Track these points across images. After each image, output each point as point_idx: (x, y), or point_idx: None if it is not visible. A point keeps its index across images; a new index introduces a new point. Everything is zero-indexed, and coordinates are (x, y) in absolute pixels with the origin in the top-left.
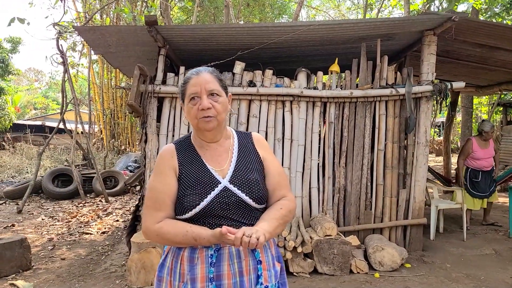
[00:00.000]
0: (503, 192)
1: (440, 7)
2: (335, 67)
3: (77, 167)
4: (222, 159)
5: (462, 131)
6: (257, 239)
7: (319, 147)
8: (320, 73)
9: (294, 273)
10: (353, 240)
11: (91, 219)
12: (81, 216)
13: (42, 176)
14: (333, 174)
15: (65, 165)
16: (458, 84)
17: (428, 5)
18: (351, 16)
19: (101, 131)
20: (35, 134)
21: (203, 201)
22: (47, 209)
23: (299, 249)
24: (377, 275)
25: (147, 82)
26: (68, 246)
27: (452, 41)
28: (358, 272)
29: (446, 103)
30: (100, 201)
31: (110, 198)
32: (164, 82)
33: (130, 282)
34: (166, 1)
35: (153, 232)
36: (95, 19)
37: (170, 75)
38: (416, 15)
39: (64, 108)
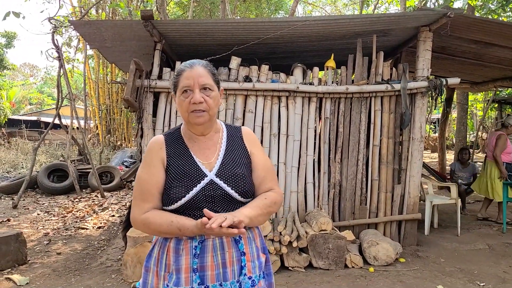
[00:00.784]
0: None
1: (436, 4)
2: (331, 63)
3: (73, 163)
4: (210, 152)
5: (457, 127)
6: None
7: (314, 142)
8: (316, 69)
9: (289, 268)
10: (348, 235)
11: (87, 214)
12: (77, 211)
13: (37, 171)
14: (329, 169)
15: (60, 161)
16: (453, 80)
17: (424, 1)
18: (347, 12)
19: (97, 127)
20: (30, 130)
21: (188, 193)
22: (43, 204)
23: (295, 244)
24: (371, 269)
25: (143, 77)
26: (64, 241)
27: (447, 37)
28: (353, 267)
29: (441, 99)
30: (95, 196)
31: (106, 193)
32: (160, 77)
33: (126, 276)
34: None
35: (139, 222)
36: (90, 14)
37: (166, 70)
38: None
39: (59, 103)
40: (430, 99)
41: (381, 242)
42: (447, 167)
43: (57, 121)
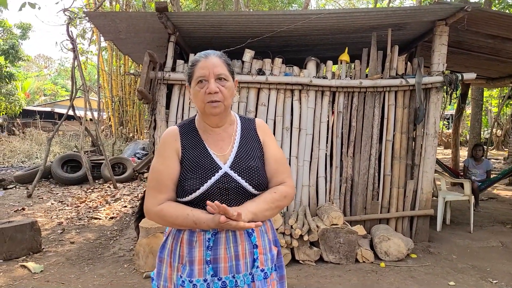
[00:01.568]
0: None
1: None
2: (344, 57)
3: (86, 153)
4: (224, 144)
5: (471, 124)
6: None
7: (327, 136)
8: (329, 63)
9: (300, 261)
10: (359, 229)
11: (100, 205)
12: (90, 202)
13: (51, 162)
14: (341, 164)
15: (74, 151)
16: (469, 76)
17: None
18: (361, 6)
19: (110, 118)
20: (44, 120)
21: (203, 185)
22: (56, 194)
23: (306, 238)
24: (382, 264)
25: (156, 69)
26: (77, 230)
27: (463, 32)
28: (363, 262)
29: (456, 95)
30: (108, 187)
31: (118, 185)
32: (173, 69)
33: (138, 266)
34: None
35: (154, 214)
36: (104, 5)
37: (180, 62)
38: (428, 4)
39: (73, 94)
40: (445, 94)
41: (392, 238)
42: (460, 164)
43: (71, 113)
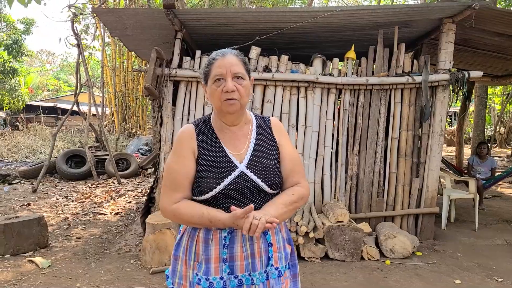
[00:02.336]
0: None
1: None
2: (351, 54)
3: (90, 149)
4: (240, 143)
5: (475, 121)
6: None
7: (332, 134)
8: (336, 60)
9: (306, 258)
10: (365, 227)
11: (104, 200)
12: (95, 197)
13: (56, 157)
14: (346, 161)
15: (78, 147)
16: (476, 73)
17: None
18: (365, 3)
19: (113, 114)
20: (47, 115)
21: (219, 184)
22: (61, 189)
23: (311, 235)
24: (388, 262)
25: (163, 65)
26: (83, 226)
27: (470, 30)
28: (369, 259)
29: (463, 92)
30: (112, 182)
31: (122, 180)
32: (180, 66)
33: (145, 262)
34: None
35: (170, 212)
36: (108, 2)
37: (186, 59)
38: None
39: (78, 90)
40: (451, 92)
41: (398, 235)
42: (464, 161)
43: (75, 108)
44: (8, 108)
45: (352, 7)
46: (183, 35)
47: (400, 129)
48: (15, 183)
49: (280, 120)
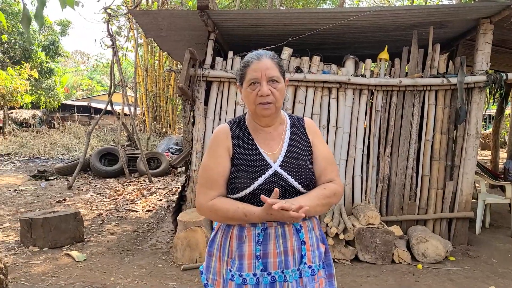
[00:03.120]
0: None
1: None
2: (384, 55)
3: (122, 147)
4: (274, 143)
5: (511, 124)
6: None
7: (364, 135)
8: (368, 61)
9: (335, 260)
10: (396, 230)
11: (136, 198)
12: (127, 194)
13: (90, 155)
14: (378, 163)
15: (111, 145)
16: None
17: None
18: (397, 3)
19: (144, 114)
20: (81, 114)
21: (253, 183)
22: (95, 186)
23: (341, 236)
24: (419, 266)
25: (196, 66)
26: (116, 222)
27: (508, 30)
28: (400, 262)
29: (500, 95)
30: (143, 180)
31: (153, 178)
32: (212, 66)
33: (176, 259)
34: None
35: (206, 209)
36: (142, 4)
37: (219, 59)
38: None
39: (112, 90)
40: (488, 94)
41: (430, 239)
42: (500, 165)
43: (109, 108)
44: (45, 107)
45: (386, 8)
46: (215, 36)
47: (434, 131)
48: (52, 179)
49: None
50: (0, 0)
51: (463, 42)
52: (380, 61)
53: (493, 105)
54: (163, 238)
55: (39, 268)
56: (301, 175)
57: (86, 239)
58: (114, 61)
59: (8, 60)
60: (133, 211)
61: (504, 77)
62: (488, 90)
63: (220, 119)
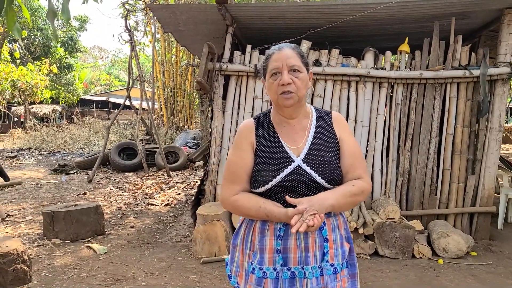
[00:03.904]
0: None
1: None
2: (404, 47)
3: (141, 142)
4: (298, 137)
5: None
6: (314, 221)
7: (383, 129)
8: (388, 53)
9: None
10: (416, 224)
11: (155, 191)
12: (146, 188)
13: (109, 149)
14: (397, 157)
15: (130, 139)
16: None
17: None
18: None
19: (161, 108)
20: (100, 109)
21: (275, 178)
22: (114, 180)
23: (360, 231)
24: (440, 261)
25: (214, 60)
26: (136, 215)
27: None
28: (420, 257)
29: None
30: (162, 174)
31: (171, 172)
32: (230, 60)
33: (195, 252)
34: None
35: (229, 204)
36: None
37: (237, 53)
38: None
39: (131, 84)
40: (511, 86)
41: (451, 234)
42: None
43: (127, 102)
44: (64, 102)
45: None
46: (234, 30)
47: (455, 124)
48: (72, 173)
49: None
50: None
51: (486, 33)
52: (400, 53)
53: None
54: (182, 231)
55: (62, 260)
56: (325, 170)
57: (106, 232)
58: (132, 56)
59: (29, 56)
60: (152, 204)
61: None
62: (511, 82)
63: (238, 113)
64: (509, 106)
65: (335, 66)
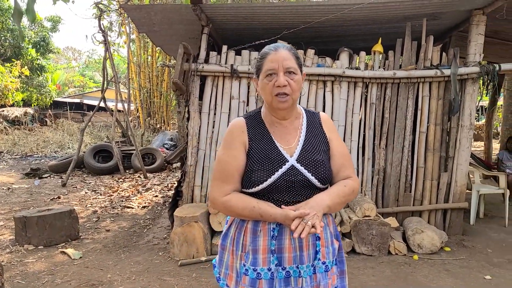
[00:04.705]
0: None
1: None
2: (378, 47)
3: (117, 144)
4: (290, 137)
5: (504, 115)
6: (313, 226)
7: (359, 128)
8: (362, 53)
9: None
10: (392, 221)
11: (132, 194)
12: (122, 191)
13: (84, 152)
14: (373, 155)
15: (105, 142)
16: (508, 66)
17: None
18: None
19: (138, 110)
20: (74, 111)
21: (270, 177)
22: (89, 183)
23: (338, 229)
24: (415, 257)
25: (190, 60)
26: (112, 219)
27: (501, 21)
28: (396, 254)
29: (493, 86)
30: (139, 177)
31: (148, 174)
32: (206, 61)
33: (173, 254)
34: None
35: (220, 204)
36: None
37: (213, 54)
38: None
39: (105, 86)
40: (481, 85)
41: (426, 230)
42: (493, 156)
43: (102, 104)
44: (37, 105)
45: (379, 0)
46: (209, 30)
47: (428, 123)
48: (45, 177)
49: None
50: None
51: (456, 34)
52: (374, 53)
53: (486, 96)
54: (160, 234)
55: (35, 266)
56: (317, 169)
57: (81, 237)
58: (107, 57)
59: None
60: (129, 207)
61: (497, 68)
62: (481, 81)
63: (215, 114)
64: (481, 105)
65: (310, 66)
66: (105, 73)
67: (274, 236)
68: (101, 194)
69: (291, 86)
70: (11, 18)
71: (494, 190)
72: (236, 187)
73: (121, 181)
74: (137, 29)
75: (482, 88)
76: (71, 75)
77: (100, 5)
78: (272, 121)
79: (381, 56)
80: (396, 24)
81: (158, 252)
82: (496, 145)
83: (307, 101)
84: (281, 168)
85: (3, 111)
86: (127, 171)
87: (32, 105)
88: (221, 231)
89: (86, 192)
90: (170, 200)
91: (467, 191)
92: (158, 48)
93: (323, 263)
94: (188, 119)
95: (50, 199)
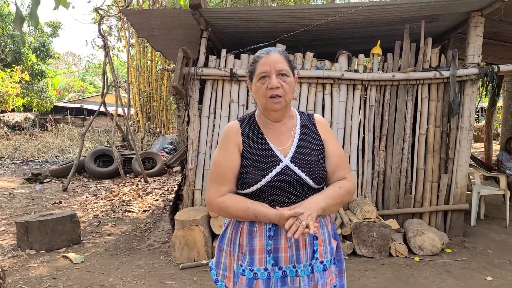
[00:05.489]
0: None
1: None
2: (377, 50)
3: (117, 148)
4: (284, 138)
5: (503, 116)
6: (307, 227)
7: (358, 130)
8: (361, 56)
9: None
10: (393, 223)
11: (132, 198)
12: (123, 195)
13: (84, 156)
14: (373, 157)
15: (105, 146)
16: (506, 67)
17: None
18: None
19: (137, 114)
20: (74, 116)
21: (264, 178)
22: (90, 187)
23: (338, 231)
24: (416, 259)
25: (190, 64)
26: (113, 223)
27: (499, 23)
28: (397, 256)
29: (492, 87)
30: (139, 181)
31: (148, 179)
32: (206, 64)
33: (174, 258)
34: None
35: (215, 205)
36: (133, 4)
37: (212, 58)
38: None
39: (105, 90)
40: (480, 86)
41: (426, 232)
42: (493, 157)
43: (102, 109)
44: (37, 110)
45: (378, 2)
46: (208, 34)
47: (427, 124)
48: (46, 182)
49: None
50: None
51: (455, 36)
52: (373, 56)
53: (485, 97)
54: (161, 237)
55: (37, 271)
56: (312, 170)
57: (83, 241)
58: (106, 62)
59: None
60: (130, 211)
61: (496, 70)
62: (480, 82)
63: (215, 117)
64: (480, 106)
65: (309, 69)
66: (105, 78)
67: (270, 236)
68: (102, 199)
69: (284, 88)
70: (12, 24)
71: (494, 191)
72: (231, 188)
73: (121, 185)
74: (136, 34)
75: (481, 90)
76: (71, 80)
77: (99, 10)
78: (266, 123)
79: (380, 58)
80: (394, 26)
81: (159, 256)
82: (496, 146)
83: (307, 103)
84: (274, 168)
85: (4, 116)
86: (127, 175)
87: (33, 110)
88: None
89: (87, 197)
90: (171, 203)
91: (468, 192)
92: (158, 52)
93: (321, 262)
94: (188, 122)
95: (52, 204)
